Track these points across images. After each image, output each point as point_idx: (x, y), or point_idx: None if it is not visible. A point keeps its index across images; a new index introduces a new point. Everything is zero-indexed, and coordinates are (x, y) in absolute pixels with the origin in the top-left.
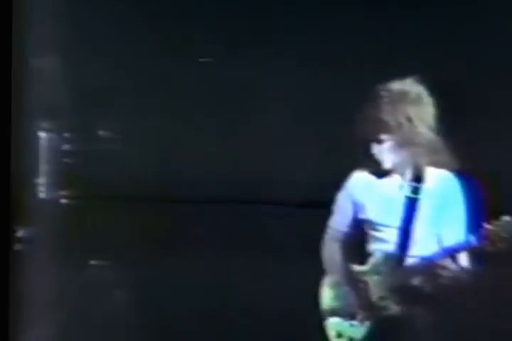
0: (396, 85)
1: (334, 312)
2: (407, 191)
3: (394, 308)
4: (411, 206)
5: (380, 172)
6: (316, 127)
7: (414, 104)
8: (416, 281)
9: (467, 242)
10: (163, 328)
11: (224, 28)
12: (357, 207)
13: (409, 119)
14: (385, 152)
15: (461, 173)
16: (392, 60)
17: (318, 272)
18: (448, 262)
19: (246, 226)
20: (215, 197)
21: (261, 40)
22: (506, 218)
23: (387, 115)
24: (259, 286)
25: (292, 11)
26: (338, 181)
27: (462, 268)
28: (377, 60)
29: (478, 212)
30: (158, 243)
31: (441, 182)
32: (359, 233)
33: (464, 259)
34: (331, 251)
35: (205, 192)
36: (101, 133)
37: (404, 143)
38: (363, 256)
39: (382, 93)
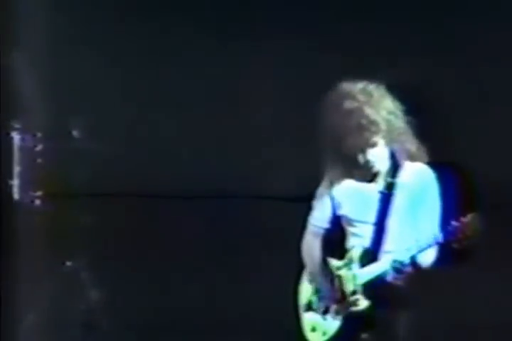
0: (359, 86)
1: (309, 307)
2: (381, 187)
3: (365, 303)
4: (386, 202)
5: (366, 176)
6: (303, 124)
7: (386, 99)
8: (387, 277)
9: (441, 236)
10: (142, 326)
11: (207, 24)
12: (335, 203)
13: (391, 112)
14: (379, 153)
15: (437, 167)
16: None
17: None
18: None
19: (235, 220)
20: (200, 192)
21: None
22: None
23: (370, 116)
24: (246, 279)
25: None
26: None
27: (431, 264)
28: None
29: (453, 205)
30: (137, 240)
31: (416, 177)
32: (338, 229)
33: (433, 254)
34: (310, 246)
35: (188, 188)
36: (74, 132)
37: (395, 136)
38: (341, 252)
39: (352, 98)
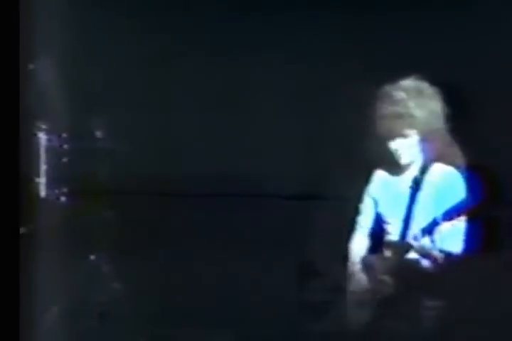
0: (410, 83)
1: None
2: (412, 184)
3: (392, 291)
4: (413, 198)
5: (396, 168)
6: (304, 122)
7: (432, 100)
8: (410, 266)
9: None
10: (159, 319)
11: (218, 26)
12: (375, 203)
13: (432, 113)
14: (407, 146)
15: (465, 169)
16: (392, 59)
17: (304, 262)
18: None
19: (237, 219)
20: (213, 192)
21: (263, 35)
22: None
23: (413, 109)
24: (249, 276)
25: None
26: (325, 174)
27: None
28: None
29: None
30: (156, 236)
31: (443, 178)
32: (380, 227)
33: (460, 242)
34: (358, 246)
35: (203, 187)
36: (98, 132)
37: (428, 137)
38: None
39: (398, 90)
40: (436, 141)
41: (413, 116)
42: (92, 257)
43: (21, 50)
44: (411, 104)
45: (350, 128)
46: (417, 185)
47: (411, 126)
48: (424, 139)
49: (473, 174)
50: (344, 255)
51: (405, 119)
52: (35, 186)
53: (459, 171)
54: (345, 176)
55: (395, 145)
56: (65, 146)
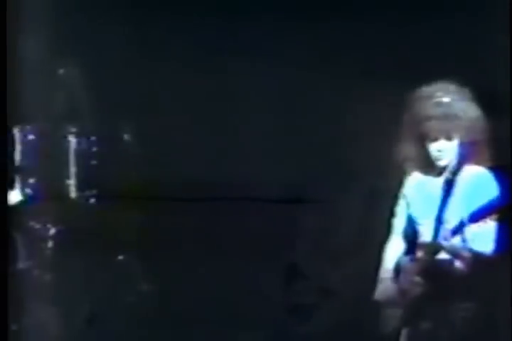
0: (451, 87)
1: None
2: (444, 185)
3: (425, 293)
4: (445, 198)
5: (433, 170)
6: (293, 126)
7: (472, 102)
8: (444, 268)
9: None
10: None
11: (218, 31)
12: (407, 202)
13: (478, 119)
14: (450, 148)
15: (496, 169)
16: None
17: (290, 265)
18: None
19: (223, 222)
20: (199, 196)
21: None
22: None
23: (461, 112)
24: (235, 280)
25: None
26: (312, 179)
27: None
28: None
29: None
30: (141, 240)
31: (474, 177)
32: (414, 229)
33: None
34: (393, 247)
35: (189, 191)
36: (125, 136)
37: (473, 141)
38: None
39: (442, 92)
40: (475, 144)
41: (459, 119)
42: (120, 257)
43: (43, 53)
44: (457, 106)
45: (337, 132)
46: (448, 185)
47: (457, 128)
48: (465, 142)
49: (503, 174)
50: (332, 257)
51: (452, 121)
52: (66, 188)
53: (490, 171)
54: (331, 180)
55: (438, 147)
56: (94, 149)
